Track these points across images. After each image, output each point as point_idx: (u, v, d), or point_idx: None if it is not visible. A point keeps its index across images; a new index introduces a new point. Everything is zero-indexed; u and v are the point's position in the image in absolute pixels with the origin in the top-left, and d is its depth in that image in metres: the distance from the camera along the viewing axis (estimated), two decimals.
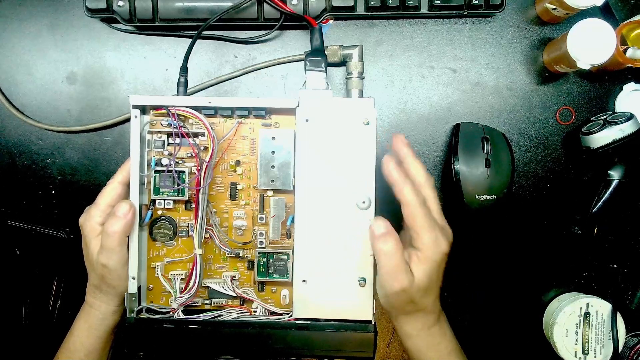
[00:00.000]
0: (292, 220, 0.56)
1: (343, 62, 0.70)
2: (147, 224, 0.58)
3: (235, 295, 0.58)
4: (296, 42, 0.72)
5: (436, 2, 0.67)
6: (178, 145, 0.57)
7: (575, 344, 0.69)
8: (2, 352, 0.74)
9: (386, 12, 0.68)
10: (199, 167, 0.55)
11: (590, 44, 0.64)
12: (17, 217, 0.73)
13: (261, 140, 0.57)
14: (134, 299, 0.56)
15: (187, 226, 0.58)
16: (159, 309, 0.57)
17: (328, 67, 0.68)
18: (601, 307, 0.69)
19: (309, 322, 0.55)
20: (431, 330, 0.56)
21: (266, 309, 0.58)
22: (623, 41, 0.65)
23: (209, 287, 0.58)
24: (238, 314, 0.57)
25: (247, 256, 0.58)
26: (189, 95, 0.69)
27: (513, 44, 0.72)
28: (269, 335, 0.55)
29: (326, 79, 0.58)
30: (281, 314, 0.57)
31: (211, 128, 0.55)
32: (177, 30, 0.71)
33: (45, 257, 0.73)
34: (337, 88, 0.71)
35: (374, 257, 0.53)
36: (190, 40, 0.61)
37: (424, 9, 0.68)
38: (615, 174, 0.68)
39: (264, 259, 0.58)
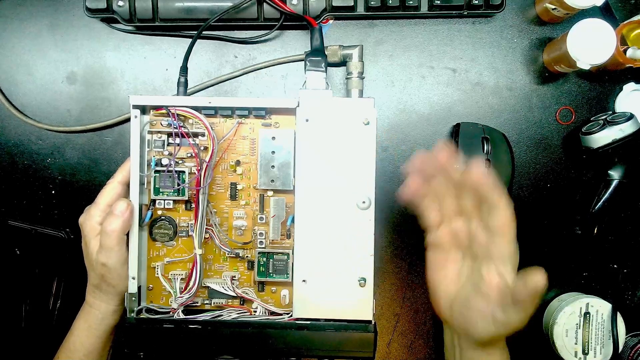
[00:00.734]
0: (292, 220, 0.56)
1: (343, 62, 0.70)
2: (147, 224, 0.58)
3: (235, 295, 0.58)
4: (296, 42, 0.72)
5: (436, 2, 0.67)
6: (178, 145, 0.57)
7: (575, 344, 0.69)
8: (2, 352, 0.74)
9: (386, 12, 0.68)
10: (199, 167, 0.55)
11: (590, 44, 0.64)
12: (17, 217, 0.73)
13: (261, 140, 0.57)
14: (134, 299, 0.56)
15: (187, 226, 0.58)
16: (159, 309, 0.57)
17: (328, 67, 0.68)
18: (601, 307, 0.69)
19: (309, 322, 0.55)
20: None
21: (266, 309, 0.58)
22: (623, 41, 0.65)
23: (209, 287, 0.58)
24: (238, 314, 0.57)
25: (247, 256, 0.58)
26: (189, 95, 0.69)
27: (513, 44, 0.72)
28: (269, 335, 0.55)
29: (326, 79, 0.58)
30: (281, 314, 0.57)
31: (211, 128, 0.55)
32: (177, 30, 0.71)
33: (45, 257, 0.73)
34: (337, 88, 0.71)
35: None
36: (190, 40, 0.61)
37: (424, 9, 0.68)
38: (615, 174, 0.68)
39: (264, 259, 0.58)
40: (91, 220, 0.57)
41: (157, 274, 0.58)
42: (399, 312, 0.74)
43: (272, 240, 0.58)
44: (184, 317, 0.56)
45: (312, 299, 0.55)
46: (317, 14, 0.67)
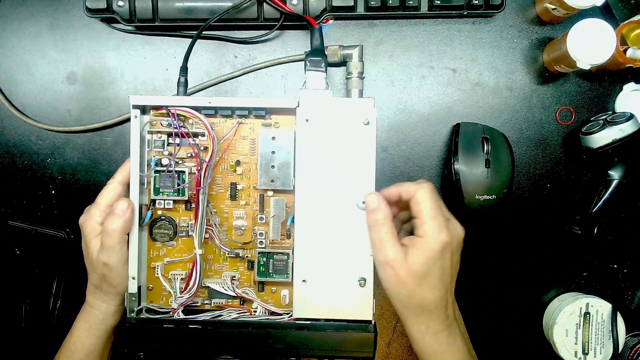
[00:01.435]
0: (292, 220, 0.56)
1: (343, 62, 0.70)
2: (147, 224, 0.58)
3: (235, 295, 0.58)
4: (296, 42, 0.72)
5: (436, 2, 0.67)
6: (178, 145, 0.57)
7: (575, 344, 0.69)
8: (2, 352, 0.74)
9: (386, 12, 0.68)
10: (199, 167, 0.55)
11: (590, 44, 0.64)
12: (17, 217, 0.73)
13: (261, 140, 0.57)
14: (134, 299, 0.56)
15: (187, 226, 0.58)
16: (159, 309, 0.57)
17: (328, 67, 0.68)
18: (601, 307, 0.69)
19: (309, 322, 0.55)
20: (437, 335, 0.54)
21: (266, 309, 0.58)
22: (623, 41, 0.65)
23: (209, 287, 0.58)
24: (238, 314, 0.57)
25: (247, 256, 0.58)
26: (189, 95, 0.69)
27: (513, 44, 0.72)
28: (269, 335, 0.55)
29: (326, 79, 0.58)
30: (281, 314, 0.57)
31: (211, 128, 0.55)
32: (177, 30, 0.71)
33: (45, 257, 0.73)
34: (337, 88, 0.71)
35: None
36: (190, 40, 0.61)
37: (424, 9, 0.68)
38: (615, 174, 0.68)
39: (264, 259, 0.58)
40: (91, 220, 0.57)
41: (157, 274, 0.58)
42: None
43: (272, 240, 0.58)
44: (184, 317, 0.56)
45: (312, 299, 0.55)
46: (317, 14, 0.67)
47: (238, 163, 0.58)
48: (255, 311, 0.58)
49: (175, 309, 0.56)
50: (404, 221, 0.60)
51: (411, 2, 0.67)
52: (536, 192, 0.73)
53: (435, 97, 0.72)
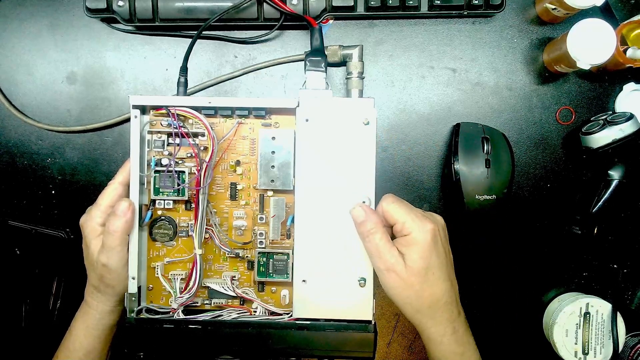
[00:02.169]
0: (292, 220, 0.56)
1: (343, 62, 0.70)
2: (147, 224, 0.58)
3: (235, 295, 0.58)
4: (296, 42, 0.72)
5: (436, 2, 0.67)
6: (178, 145, 0.57)
7: (575, 344, 0.69)
8: (2, 352, 0.74)
9: (386, 12, 0.68)
10: (199, 167, 0.55)
11: (590, 44, 0.64)
12: (17, 217, 0.73)
13: (261, 140, 0.57)
14: (134, 299, 0.56)
15: (187, 226, 0.58)
16: (158, 309, 0.57)
17: (328, 67, 0.68)
18: (601, 307, 0.69)
19: (308, 322, 0.55)
20: (455, 335, 0.54)
21: (266, 309, 0.58)
22: (623, 41, 0.65)
23: (208, 287, 0.58)
24: (238, 314, 0.57)
25: (247, 256, 0.58)
26: (189, 95, 0.69)
27: (513, 44, 0.72)
28: (269, 335, 0.55)
29: (326, 79, 0.58)
30: (281, 314, 0.57)
31: (211, 128, 0.55)
32: (177, 30, 0.71)
33: (45, 257, 0.73)
34: (337, 88, 0.71)
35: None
36: (190, 40, 0.61)
37: (424, 9, 0.68)
38: (615, 174, 0.68)
39: (264, 259, 0.58)
40: (92, 221, 0.57)
41: (157, 274, 0.58)
42: (399, 312, 0.74)
43: (272, 240, 0.58)
44: (184, 317, 0.56)
45: (312, 299, 0.55)
46: (317, 14, 0.67)
47: (238, 163, 0.58)
48: (255, 311, 0.58)
49: (175, 309, 0.56)
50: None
51: (411, 2, 0.67)
52: (536, 192, 0.73)
53: (435, 97, 0.72)
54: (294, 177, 0.56)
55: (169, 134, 0.57)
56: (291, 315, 0.56)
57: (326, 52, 0.68)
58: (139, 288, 0.56)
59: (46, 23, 0.72)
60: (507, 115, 0.72)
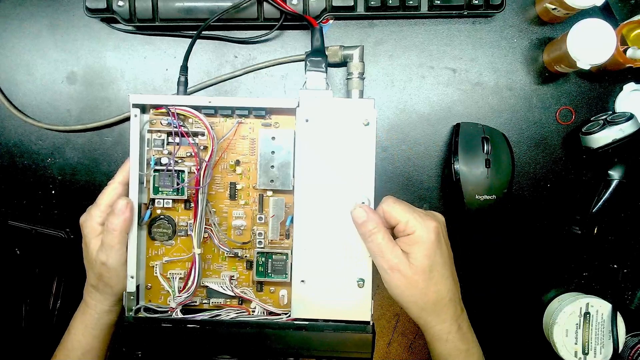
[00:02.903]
0: (291, 221, 0.56)
1: (343, 63, 0.70)
2: (146, 223, 0.58)
3: (233, 295, 0.58)
4: (296, 42, 0.72)
5: (436, 2, 0.67)
6: (178, 144, 0.57)
7: (575, 344, 0.69)
8: (2, 352, 0.74)
9: (386, 12, 0.68)
10: (199, 167, 0.55)
11: (590, 44, 0.63)
12: (17, 217, 0.73)
13: (261, 140, 0.57)
14: (132, 297, 0.56)
15: (186, 225, 0.58)
16: (157, 308, 0.57)
17: (328, 67, 0.68)
18: (601, 307, 0.69)
19: (307, 323, 0.55)
20: (460, 332, 0.55)
21: (264, 309, 0.58)
22: (623, 41, 0.65)
23: (207, 286, 0.58)
24: (236, 313, 0.57)
25: (245, 256, 0.58)
26: (189, 94, 0.69)
27: (513, 44, 0.72)
28: (267, 335, 0.55)
29: (326, 79, 0.58)
30: (279, 314, 0.57)
31: (211, 127, 0.55)
32: (177, 30, 0.71)
33: (45, 257, 0.73)
34: (337, 88, 0.71)
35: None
36: (190, 40, 0.61)
37: (424, 9, 0.68)
38: (615, 174, 0.68)
39: (263, 259, 0.58)
40: (92, 220, 0.57)
41: (156, 273, 0.58)
42: (399, 312, 0.74)
43: (271, 240, 0.58)
44: (182, 316, 0.56)
45: (311, 300, 0.55)
46: (317, 14, 0.67)
47: (238, 163, 0.58)
48: (253, 311, 0.58)
49: (173, 308, 0.56)
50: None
51: (411, 2, 0.67)
52: (536, 192, 0.73)
53: (435, 97, 0.72)
54: (293, 177, 0.56)
55: (169, 133, 0.57)
56: (289, 316, 0.56)
57: (327, 53, 0.68)
58: (138, 287, 0.57)
59: (46, 23, 0.72)
60: (507, 115, 0.72)
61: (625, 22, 0.67)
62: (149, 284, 0.58)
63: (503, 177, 0.68)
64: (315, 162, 0.55)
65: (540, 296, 0.74)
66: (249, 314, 0.57)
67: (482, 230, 0.72)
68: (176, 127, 0.55)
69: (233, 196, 0.58)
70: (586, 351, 0.69)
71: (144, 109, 0.57)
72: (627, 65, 0.65)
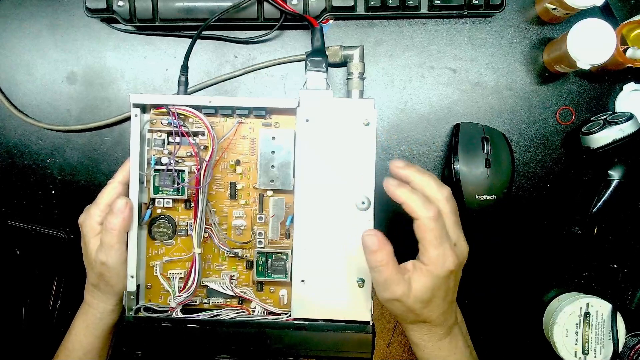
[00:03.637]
0: (291, 221, 0.56)
1: (344, 63, 0.70)
2: (146, 223, 0.58)
3: (233, 294, 0.58)
4: (296, 42, 0.72)
5: (436, 2, 0.67)
6: (178, 144, 0.57)
7: (575, 344, 0.69)
8: (2, 352, 0.74)
9: (386, 12, 0.68)
10: (199, 166, 0.55)
11: (590, 44, 0.63)
12: (17, 217, 0.73)
13: (261, 140, 0.57)
14: (132, 297, 0.56)
15: (186, 225, 0.58)
16: (157, 308, 0.57)
17: (328, 68, 0.68)
18: (601, 307, 0.69)
19: (307, 322, 0.55)
20: (440, 342, 0.55)
21: (264, 308, 0.58)
22: (623, 41, 0.65)
23: (207, 286, 0.58)
24: (236, 313, 0.57)
25: (246, 256, 0.58)
26: (189, 94, 0.69)
27: (513, 44, 0.72)
28: (267, 335, 0.55)
29: (327, 79, 0.58)
30: (279, 314, 0.57)
31: (211, 127, 0.55)
32: (177, 30, 0.71)
33: (45, 257, 0.73)
34: (338, 88, 0.71)
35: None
36: (190, 40, 0.61)
37: (424, 9, 0.68)
38: (615, 174, 0.68)
39: (263, 259, 0.58)
40: (91, 219, 0.57)
41: (156, 272, 0.58)
42: None
43: (271, 240, 0.58)
44: (182, 316, 0.56)
45: (311, 299, 0.55)
46: (317, 14, 0.67)
47: (238, 162, 0.58)
48: (253, 311, 0.58)
49: (173, 308, 0.56)
50: None
51: (411, 2, 0.67)
52: (536, 192, 0.73)
53: (435, 97, 0.72)
54: (293, 177, 0.56)
55: (169, 133, 0.57)
56: (289, 315, 0.56)
57: (327, 53, 0.68)
58: (138, 287, 0.57)
59: (46, 23, 0.72)
60: (507, 115, 0.72)
61: (625, 22, 0.67)
62: (149, 284, 0.58)
63: (503, 177, 0.68)
64: (316, 162, 0.55)
65: (540, 296, 0.74)
66: (249, 314, 0.57)
67: (482, 230, 0.72)
68: (176, 127, 0.55)
69: (233, 196, 0.58)
70: (586, 351, 0.69)
71: (144, 108, 0.57)
72: (627, 65, 0.65)
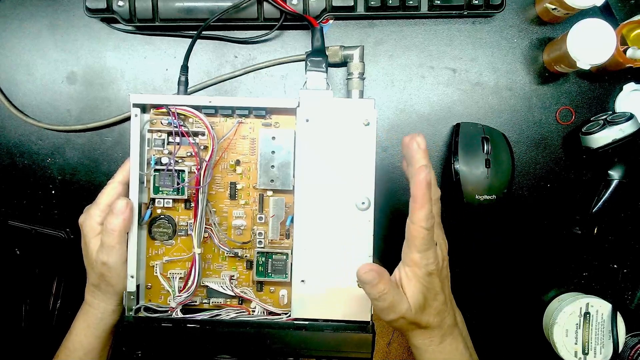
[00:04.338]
0: (291, 221, 0.56)
1: (344, 63, 0.70)
2: (146, 223, 0.58)
3: (233, 294, 0.58)
4: (296, 42, 0.72)
5: (436, 2, 0.67)
6: (178, 144, 0.57)
7: (575, 344, 0.69)
8: (2, 352, 0.74)
9: (386, 12, 0.68)
10: (199, 166, 0.55)
11: (590, 44, 0.63)
12: (17, 217, 0.73)
13: (261, 140, 0.57)
14: (132, 297, 0.56)
15: (186, 225, 0.58)
16: (157, 308, 0.57)
17: (328, 68, 0.68)
18: (601, 307, 0.69)
19: (307, 322, 0.55)
20: (441, 346, 0.54)
21: (264, 308, 0.58)
22: (623, 41, 0.65)
23: (207, 286, 0.58)
24: (236, 313, 0.57)
25: (245, 256, 0.58)
26: (189, 94, 0.69)
27: (513, 44, 0.72)
28: (267, 335, 0.55)
29: (327, 79, 0.58)
30: (279, 314, 0.57)
31: (211, 127, 0.55)
32: (177, 30, 0.71)
33: (45, 257, 0.73)
34: (338, 88, 0.71)
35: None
36: (190, 40, 0.61)
37: (424, 9, 0.68)
38: (615, 174, 0.68)
39: (263, 259, 0.58)
40: (91, 220, 0.57)
41: (156, 272, 0.57)
42: None
43: (271, 240, 0.58)
44: (182, 316, 0.56)
45: (311, 299, 0.55)
46: (317, 14, 0.67)
47: (238, 162, 0.58)
48: (253, 311, 0.58)
49: (173, 308, 0.56)
50: None
51: (411, 2, 0.67)
52: (536, 192, 0.73)
53: (435, 97, 0.72)
54: (293, 177, 0.56)
55: (169, 133, 0.57)
56: (289, 315, 0.56)
57: (327, 53, 0.68)
58: (138, 287, 0.56)
59: (46, 23, 0.72)
60: (507, 115, 0.72)
61: (625, 22, 0.67)
62: (149, 284, 0.58)
63: (503, 177, 0.68)
64: (316, 162, 0.55)
65: (540, 296, 0.74)
66: (249, 314, 0.57)
67: (482, 230, 0.72)
68: (176, 127, 0.55)
69: (233, 196, 0.58)
70: (586, 351, 0.69)
71: (144, 108, 0.57)
72: (627, 65, 0.65)
